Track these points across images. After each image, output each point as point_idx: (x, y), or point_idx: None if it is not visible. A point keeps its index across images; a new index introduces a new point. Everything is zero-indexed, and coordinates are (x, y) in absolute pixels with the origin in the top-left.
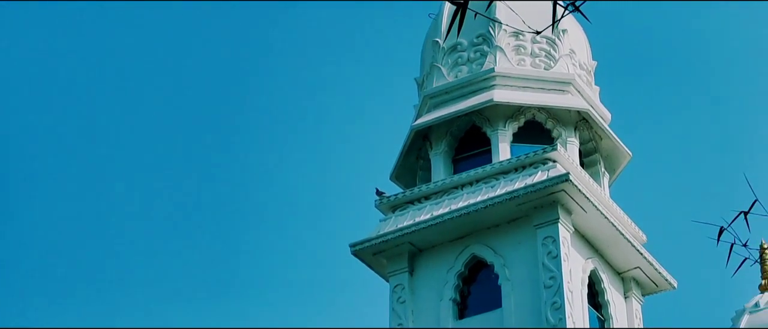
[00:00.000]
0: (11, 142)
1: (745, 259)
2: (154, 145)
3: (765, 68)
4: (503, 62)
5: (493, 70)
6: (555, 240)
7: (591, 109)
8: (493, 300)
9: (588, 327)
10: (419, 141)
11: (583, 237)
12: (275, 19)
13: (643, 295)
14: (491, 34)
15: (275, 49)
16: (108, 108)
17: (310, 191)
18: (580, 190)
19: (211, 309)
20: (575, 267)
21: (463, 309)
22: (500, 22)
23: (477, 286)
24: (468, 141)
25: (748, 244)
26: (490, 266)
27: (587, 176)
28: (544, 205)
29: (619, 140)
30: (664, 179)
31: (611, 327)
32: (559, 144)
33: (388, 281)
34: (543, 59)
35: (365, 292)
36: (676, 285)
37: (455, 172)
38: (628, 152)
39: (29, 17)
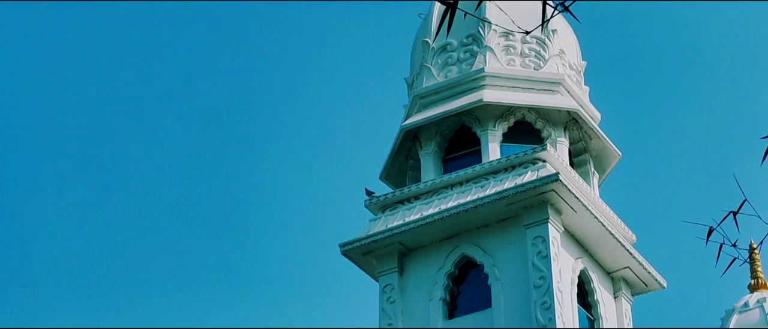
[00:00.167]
0: (11, 142)
1: (735, 259)
2: (140, 147)
3: (754, 68)
4: (493, 62)
5: (482, 70)
6: (545, 240)
7: (581, 109)
8: (482, 300)
9: (578, 327)
10: (409, 141)
11: (573, 237)
12: (264, 19)
13: (632, 295)
14: (481, 34)
15: (264, 49)
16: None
17: (300, 191)
18: (569, 190)
19: (201, 309)
20: (565, 267)
21: (452, 309)
22: (490, 22)
23: (467, 286)
24: (458, 141)
25: (737, 244)
26: (479, 266)
27: (577, 176)
28: (533, 205)
29: (608, 140)
30: (653, 179)
31: (601, 327)
32: (548, 144)
33: (377, 281)
34: (533, 59)
35: (355, 292)
36: (665, 285)
37: (445, 172)
38: (618, 152)
39: (29, 17)
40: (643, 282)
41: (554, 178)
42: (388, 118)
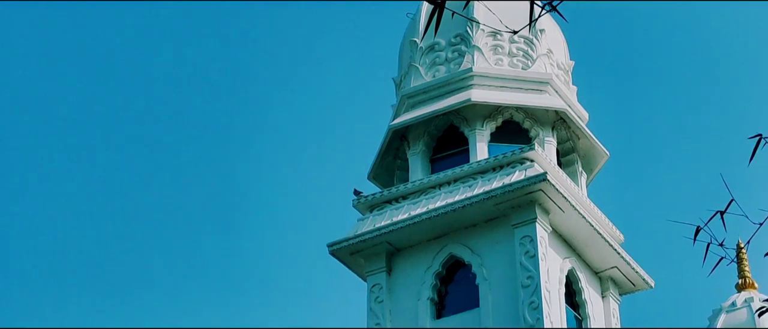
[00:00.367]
0: (10, 142)
1: (722, 258)
2: (128, 148)
3: (742, 68)
4: (481, 62)
5: (470, 69)
6: (532, 240)
7: (568, 108)
8: (470, 300)
9: (565, 326)
10: (397, 141)
11: (561, 237)
12: (252, 19)
13: (620, 295)
14: (469, 33)
15: (252, 49)
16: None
17: (288, 190)
18: (557, 190)
19: (189, 309)
20: (553, 267)
21: (440, 309)
22: (478, 22)
23: (454, 286)
24: (446, 141)
25: (724, 243)
26: (467, 265)
27: (565, 175)
28: (521, 205)
29: (596, 139)
30: (641, 178)
31: (589, 326)
32: (536, 144)
33: (365, 280)
34: (520, 59)
35: (343, 292)
36: (653, 285)
37: (433, 172)
38: (606, 151)
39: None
40: (631, 282)
41: (542, 178)
42: (376, 118)
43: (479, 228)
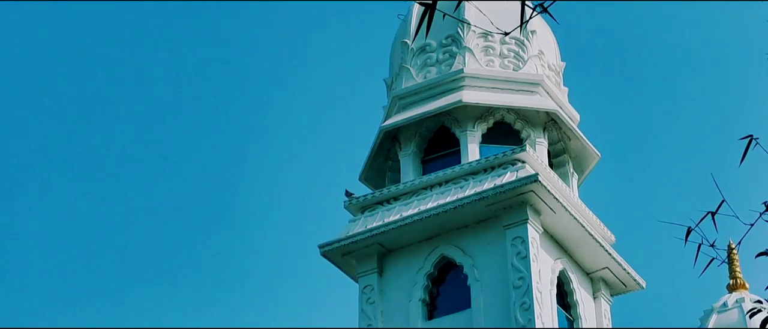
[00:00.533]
0: (11, 142)
1: (713, 259)
2: (121, 148)
3: (733, 69)
4: (472, 63)
5: (462, 71)
6: (524, 241)
7: (560, 110)
8: (462, 301)
9: (557, 327)
10: (388, 142)
11: (552, 238)
12: (243, 20)
13: (611, 295)
14: (460, 35)
15: (243, 50)
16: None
17: (279, 192)
18: (549, 191)
19: (181, 309)
20: (544, 268)
21: (432, 310)
22: (469, 23)
23: (446, 287)
24: (437, 142)
25: (715, 244)
26: (459, 266)
27: (556, 176)
28: (513, 206)
29: (587, 140)
30: (632, 179)
31: (580, 327)
32: (527, 145)
33: (357, 282)
34: (512, 60)
35: (334, 293)
36: (644, 285)
37: (424, 173)
38: (597, 152)
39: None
40: (622, 283)
41: (533, 179)
42: (368, 119)
43: (471, 229)
